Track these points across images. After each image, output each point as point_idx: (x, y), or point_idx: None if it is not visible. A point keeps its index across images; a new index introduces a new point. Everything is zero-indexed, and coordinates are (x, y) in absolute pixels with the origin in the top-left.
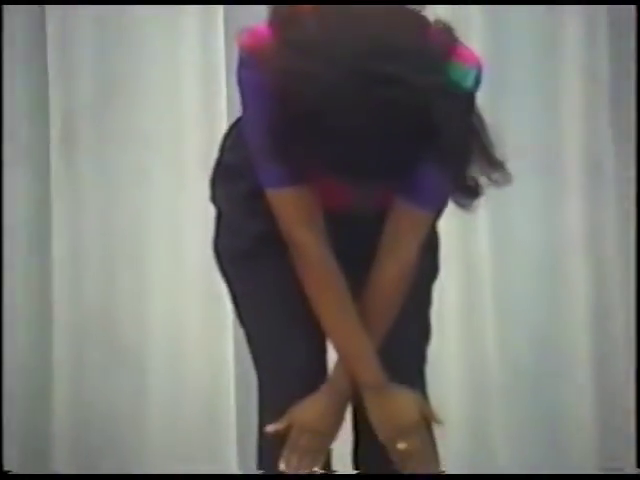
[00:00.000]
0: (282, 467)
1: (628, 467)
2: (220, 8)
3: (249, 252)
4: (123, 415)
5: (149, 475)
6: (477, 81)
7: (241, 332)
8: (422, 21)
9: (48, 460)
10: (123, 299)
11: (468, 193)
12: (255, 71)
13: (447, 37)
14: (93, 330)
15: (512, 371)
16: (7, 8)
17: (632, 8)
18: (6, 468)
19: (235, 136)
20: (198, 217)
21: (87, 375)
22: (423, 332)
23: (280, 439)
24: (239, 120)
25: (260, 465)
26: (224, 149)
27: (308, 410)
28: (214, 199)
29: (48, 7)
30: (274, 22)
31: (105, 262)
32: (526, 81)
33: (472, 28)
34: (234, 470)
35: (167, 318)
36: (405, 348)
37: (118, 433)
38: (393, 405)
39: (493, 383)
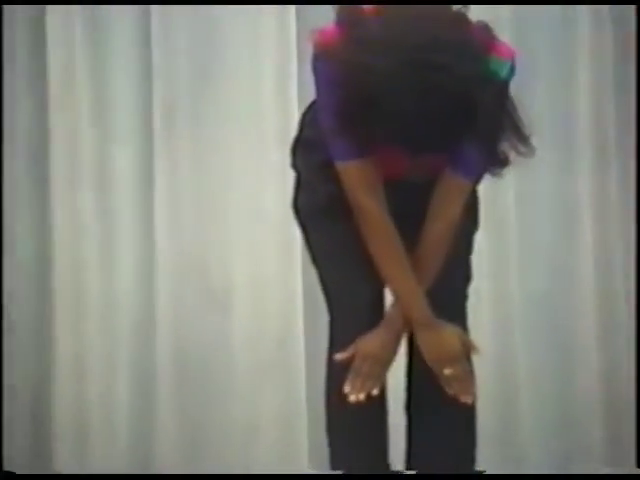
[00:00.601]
0: (347, 389)
1: (628, 467)
2: (292, 8)
3: (323, 209)
4: (213, 348)
5: (151, 475)
6: (512, 71)
7: (310, 278)
8: (465, 20)
9: (153, 389)
10: (213, 249)
11: (499, 164)
12: (326, 63)
13: (487, 34)
14: (189, 276)
15: (533, 304)
16: (108, 9)
17: (632, 8)
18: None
19: (311, 115)
20: (275, 180)
21: (185, 314)
22: (465, 276)
23: (346, 366)
24: (314, 102)
25: (328, 387)
26: (303, 125)
27: (370, 342)
28: (294, 165)
29: (153, 8)
30: (341, 22)
31: (199, 218)
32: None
33: (500, 23)
34: (302, 395)
35: (249, 266)
36: (450, 289)
37: (209, 363)
38: (439, 337)
39: (516, 314)
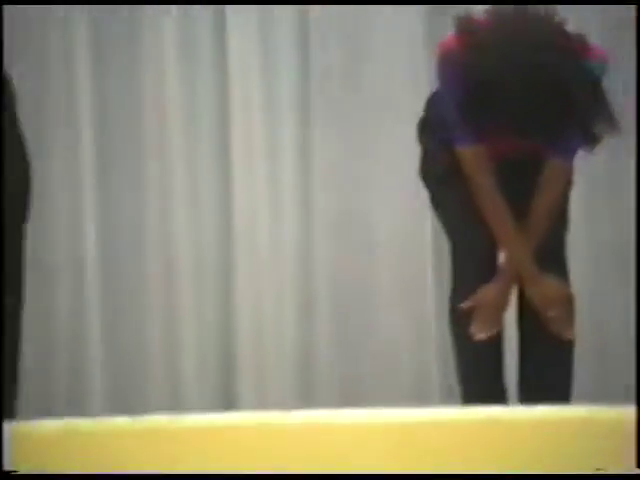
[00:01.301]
0: (473, 330)
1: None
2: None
3: (443, 178)
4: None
5: (150, 475)
6: (605, 71)
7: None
8: (562, 27)
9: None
10: (361, 207)
11: (593, 144)
12: (448, 66)
13: (581, 39)
14: (343, 230)
15: None
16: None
17: (632, 8)
18: None
19: (434, 101)
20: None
21: (341, 261)
22: (564, 226)
23: (469, 313)
24: (436, 92)
25: (453, 326)
26: (428, 108)
27: (489, 292)
28: (420, 141)
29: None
30: (459, 31)
31: (350, 179)
32: None
33: None
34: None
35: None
36: (553, 245)
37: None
38: (543, 287)
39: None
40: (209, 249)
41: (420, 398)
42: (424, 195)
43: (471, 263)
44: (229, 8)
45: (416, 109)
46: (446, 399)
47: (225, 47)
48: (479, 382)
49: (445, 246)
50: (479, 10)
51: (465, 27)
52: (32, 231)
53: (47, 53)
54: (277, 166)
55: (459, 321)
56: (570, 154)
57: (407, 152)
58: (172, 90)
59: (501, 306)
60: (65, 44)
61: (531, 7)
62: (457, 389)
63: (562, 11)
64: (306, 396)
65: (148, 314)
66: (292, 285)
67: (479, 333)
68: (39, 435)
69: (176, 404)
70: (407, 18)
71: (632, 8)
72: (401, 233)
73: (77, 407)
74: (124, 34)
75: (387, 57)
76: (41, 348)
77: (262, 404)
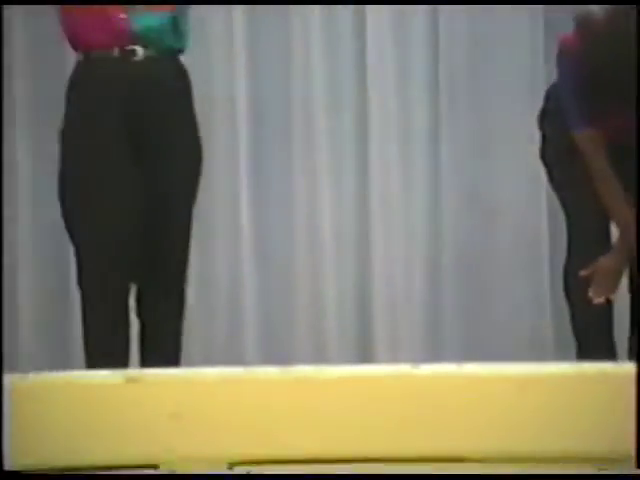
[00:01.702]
0: (592, 294)
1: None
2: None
3: (561, 159)
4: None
5: (149, 475)
6: None
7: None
8: None
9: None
10: (486, 181)
11: None
12: (567, 59)
13: None
14: (466, 202)
15: None
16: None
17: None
18: None
19: (554, 93)
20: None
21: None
22: None
23: (587, 278)
24: (554, 84)
25: (566, 288)
26: (547, 98)
27: (607, 262)
28: (540, 127)
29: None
30: (578, 29)
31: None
32: None
33: None
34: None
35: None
36: None
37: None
38: None
39: None
40: (349, 223)
41: (536, 355)
42: (541, 173)
43: (586, 235)
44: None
45: (533, 102)
46: (561, 356)
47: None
48: (594, 338)
49: (560, 219)
50: (596, 9)
51: (583, 23)
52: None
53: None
54: (411, 151)
55: (575, 285)
56: None
57: (525, 136)
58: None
59: (618, 273)
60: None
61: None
62: (571, 346)
63: None
64: (433, 352)
65: (296, 281)
66: (421, 253)
67: (597, 297)
68: (200, 380)
69: (320, 358)
70: (528, 24)
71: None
72: (520, 207)
73: (234, 358)
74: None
75: (508, 58)
76: (204, 309)
77: (394, 359)
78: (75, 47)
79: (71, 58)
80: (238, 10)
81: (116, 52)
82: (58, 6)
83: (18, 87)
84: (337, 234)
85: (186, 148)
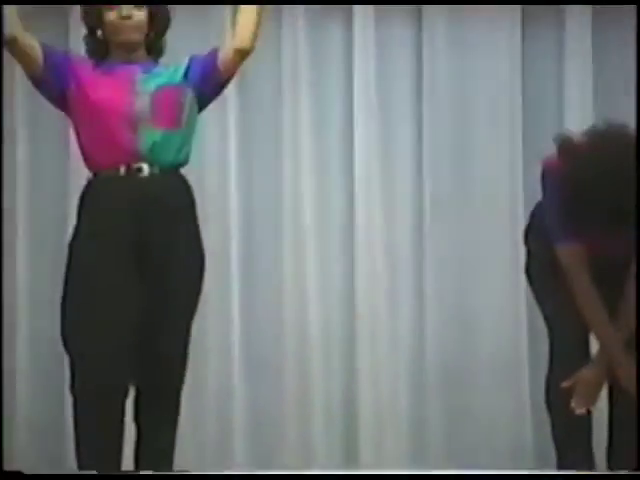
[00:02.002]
0: (573, 405)
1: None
2: None
3: (545, 271)
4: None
5: (150, 475)
6: None
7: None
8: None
9: None
10: None
11: None
12: (550, 179)
13: None
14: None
15: None
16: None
17: (632, 8)
18: None
19: (538, 212)
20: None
21: None
22: None
23: (568, 390)
24: (539, 203)
25: (547, 399)
26: (532, 217)
27: (587, 373)
28: (525, 243)
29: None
30: (560, 152)
31: None
32: None
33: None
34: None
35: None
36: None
37: None
38: (632, 369)
39: None
40: (335, 335)
41: (517, 464)
42: (522, 287)
43: (568, 347)
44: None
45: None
46: (541, 464)
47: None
48: (573, 448)
49: (540, 331)
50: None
51: (564, 146)
52: None
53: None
54: (395, 264)
55: (557, 396)
56: None
57: (505, 247)
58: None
59: (599, 385)
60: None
61: (614, 128)
62: (551, 456)
63: None
64: (417, 460)
65: (285, 390)
66: (406, 364)
67: (579, 408)
68: None
69: (307, 464)
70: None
71: (632, 8)
72: (501, 320)
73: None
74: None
75: (489, 175)
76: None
77: (379, 465)
78: (88, 166)
79: None
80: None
81: (122, 170)
82: (73, 125)
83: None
84: (324, 345)
85: (189, 262)
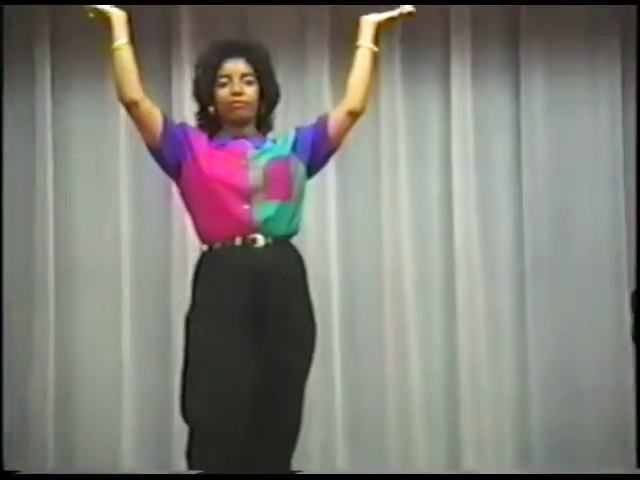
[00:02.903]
0: None
1: (628, 467)
2: None
3: None
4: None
5: (148, 475)
6: None
7: None
8: None
9: None
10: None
11: None
12: None
13: None
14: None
15: None
16: None
17: (632, 8)
18: None
19: None
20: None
21: None
22: None
23: None
24: None
25: None
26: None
27: None
28: (632, 308)
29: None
30: None
31: None
32: None
33: None
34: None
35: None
36: None
37: None
38: None
39: None
40: (438, 401)
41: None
42: (626, 346)
43: None
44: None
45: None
46: None
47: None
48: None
49: None
50: None
51: None
52: None
53: None
54: (498, 331)
55: None
56: None
57: (608, 309)
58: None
59: None
60: None
61: None
62: None
63: None
64: None
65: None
66: (510, 429)
67: None
68: None
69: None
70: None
71: (632, 8)
72: (606, 386)
73: None
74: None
75: (591, 237)
76: None
77: None
78: (202, 240)
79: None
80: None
81: (238, 241)
82: (186, 197)
83: None
84: (427, 409)
85: (303, 330)
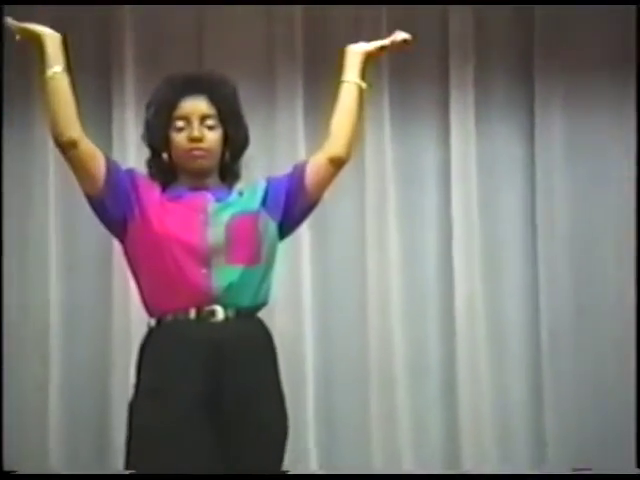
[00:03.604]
0: None
1: (628, 467)
2: None
3: None
4: None
5: (151, 475)
6: None
7: None
8: None
9: None
10: None
11: None
12: None
13: None
14: None
15: None
16: None
17: (632, 8)
18: None
19: None
20: None
21: None
22: None
23: None
24: None
25: None
26: None
27: None
28: None
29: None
30: None
31: None
32: None
33: None
34: None
35: None
36: None
37: None
38: None
39: None
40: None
41: None
42: None
43: None
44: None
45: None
46: None
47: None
48: None
49: None
50: None
51: None
52: None
53: None
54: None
55: None
56: None
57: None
58: None
59: None
60: None
61: None
62: None
63: None
64: None
65: None
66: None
67: None
68: None
69: None
70: None
71: (632, 8)
72: None
73: None
74: None
75: (611, 308)
76: None
77: None
78: (149, 312)
79: None
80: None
81: (193, 314)
82: (131, 260)
83: None
84: None
85: (271, 421)
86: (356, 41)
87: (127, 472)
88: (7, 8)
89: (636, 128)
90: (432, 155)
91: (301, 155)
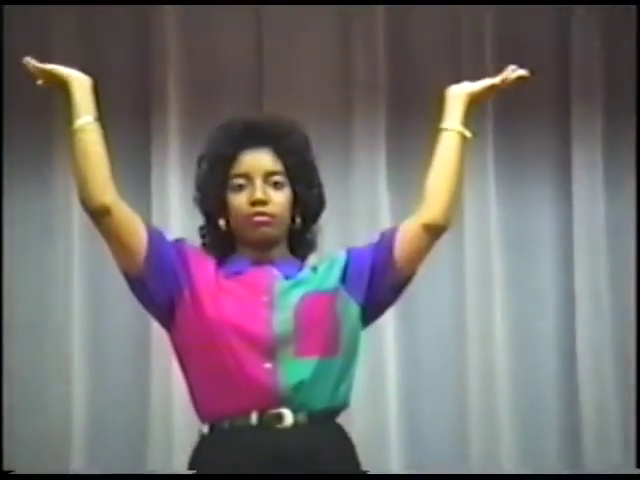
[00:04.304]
0: None
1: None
2: None
3: None
4: None
5: (148, 475)
6: None
7: None
8: None
9: None
10: None
11: None
12: None
13: None
14: None
15: None
16: None
17: (632, 8)
18: None
19: None
20: None
21: None
22: None
23: None
24: None
25: None
26: None
27: None
28: None
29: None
30: None
31: None
32: None
33: None
34: None
35: None
36: None
37: None
38: None
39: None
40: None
41: None
42: None
43: None
44: None
45: None
46: None
47: None
48: None
49: None
50: None
51: None
52: None
53: None
54: None
55: None
56: None
57: None
58: None
59: None
60: None
61: None
62: None
63: None
64: None
65: None
66: None
67: None
68: None
69: None
70: None
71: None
72: None
73: None
74: None
75: None
76: None
77: None
78: (201, 416)
79: None
80: None
81: (255, 418)
82: (180, 351)
83: None
84: None
85: None
86: (455, 76)
87: None
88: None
89: (635, 139)
90: (548, 216)
91: (384, 219)
